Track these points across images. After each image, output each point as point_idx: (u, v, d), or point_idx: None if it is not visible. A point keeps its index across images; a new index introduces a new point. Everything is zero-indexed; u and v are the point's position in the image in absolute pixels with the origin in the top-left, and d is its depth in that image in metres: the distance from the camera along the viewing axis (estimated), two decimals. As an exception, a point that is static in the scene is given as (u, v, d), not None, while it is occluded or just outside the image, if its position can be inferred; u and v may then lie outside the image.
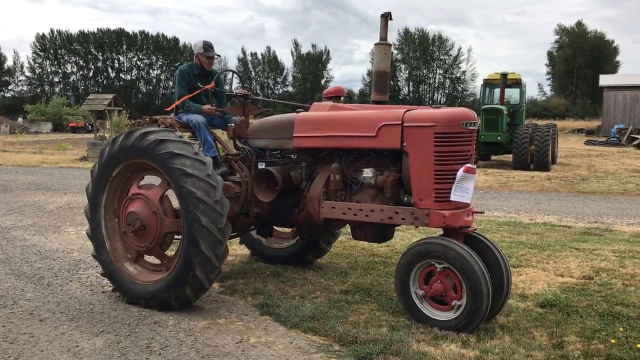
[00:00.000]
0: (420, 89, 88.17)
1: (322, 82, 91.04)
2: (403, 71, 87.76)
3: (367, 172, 4.99)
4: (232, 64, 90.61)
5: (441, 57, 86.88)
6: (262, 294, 5.42)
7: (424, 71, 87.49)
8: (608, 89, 42.49)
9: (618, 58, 79.70)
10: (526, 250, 7.16)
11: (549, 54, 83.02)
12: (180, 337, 4.44)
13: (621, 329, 4.46)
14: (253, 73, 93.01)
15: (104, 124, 27.00)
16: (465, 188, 4.52)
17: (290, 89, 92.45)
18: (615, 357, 3.94)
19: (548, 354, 4.02)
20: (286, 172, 5.33)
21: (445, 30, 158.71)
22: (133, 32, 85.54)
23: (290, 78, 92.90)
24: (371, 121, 4.85)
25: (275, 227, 6.44)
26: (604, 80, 45.15)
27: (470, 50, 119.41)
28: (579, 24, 79.51)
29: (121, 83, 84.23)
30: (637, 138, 31.50)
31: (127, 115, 35.19)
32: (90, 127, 40.06)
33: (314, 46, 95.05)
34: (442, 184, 4.55)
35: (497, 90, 20.79)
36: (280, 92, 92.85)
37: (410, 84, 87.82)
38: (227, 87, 7.40)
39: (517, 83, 21.27)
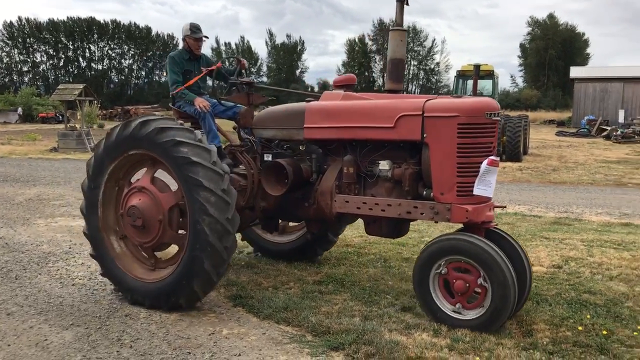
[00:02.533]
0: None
1: (297, 72, 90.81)
2: (378, 62, 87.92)
3: (384, 165, 4.74)
4: (206, 53, 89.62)
5: (415, 49, 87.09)
6: (235, 285, 5.39)
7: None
8: (578, 81, 43.14)
9: (588, 50, 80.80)
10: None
11: (522, 46, 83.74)
12: (151, 329, 4.40)
13: (588, 316, 4.55)
14: (227, 63, 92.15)
15: (75, 115, 26.46)
16: (488, 182, 4.31)
17: (265, 79, 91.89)
18: (582, 343, 4.02)
19: (517, 341, 4.09)
20: (296, 164, 5.09)
21: (419, 22, 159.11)
22: (104, 20, 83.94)
23: (265, 68, 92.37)
24: (389, 111, 4.59)
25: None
26: (575, 72, 45.82)
27: (444, 42, 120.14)
28: (551, 16, 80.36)
29: (92, 73, 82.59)
30: (606, 129, 32.08)
31: (99, 105, 34.57)
32: (60, 117, 39.33)
33: (288, 36, 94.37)
34: (464, 177, 4.33)
35: (470, 82, 20.96)
36: (255, 82, 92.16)
37: (385, 75, 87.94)
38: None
39: (490, 74, 21.50)
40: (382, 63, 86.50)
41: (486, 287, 4.17)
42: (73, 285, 5.48)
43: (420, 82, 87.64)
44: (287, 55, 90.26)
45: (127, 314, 4.72)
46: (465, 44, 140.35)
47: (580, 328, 4.31)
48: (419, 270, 4.43)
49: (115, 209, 5.12)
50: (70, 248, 6.90)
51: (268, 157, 5.33)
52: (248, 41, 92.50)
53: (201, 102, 5.78)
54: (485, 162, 4.28)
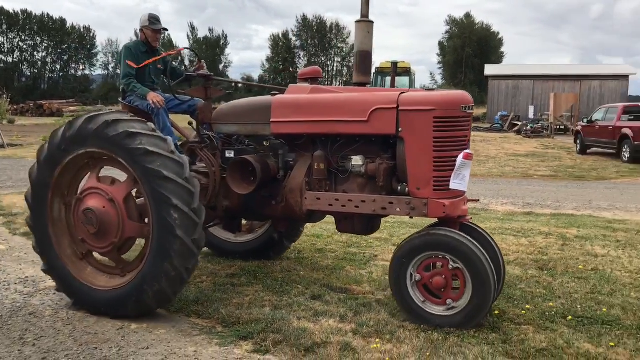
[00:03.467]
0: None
1: (221, 67, 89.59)
2: (302, 58, 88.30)
3: (357, 160, 4.59)
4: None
5: (339, 45, 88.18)
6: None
7: (322, 58, 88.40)
8: (492, 78, 44.97)
9: (503, 49, 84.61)
10: (407, 230, 7.55)
11: (440, 44, 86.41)
12: (57, 326, 4.32)
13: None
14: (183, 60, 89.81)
15: (-18, 109, 25.07)
16: (463, 175, 4.27)
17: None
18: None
19: (418, 325, 4.29)
20: (263, 160, 4.85)
21: (342, 19, 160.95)
22: (14, 10, 79.70)
23: (187, 62, 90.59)
24: (362, 105, 4.43)
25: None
26: (489, 69, 47.71)
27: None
28: (468, 15, 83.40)
29: (2, 66, 78.32)
30: (518, 124, 33.71)
31: (9, 100, 32.82)
32: (-34, 112, 37.00)
33: (211, 30, 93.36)
34: (441, 172, 4.25)
35: (389, 78, 21.52)
36: (213, 75, 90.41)
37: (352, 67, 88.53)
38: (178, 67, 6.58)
39: (407, 71, 22.22)
40: (306, 59, 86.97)
41: (465, 283, 4.14)
42: (-26, 285, 5.27)
43: (344, 79, 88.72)
44: (210, 49, 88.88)
45: (32, 312, 4.60)
46: (388, 41, 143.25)
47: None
48: (396, 267, 4.34)
49: (69, 232, 4.79)
50: (-28, 248, 6.61)
51: (230, 154, 5.08)
52: (169, 34, 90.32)
53: (155, 97, 5.46)
54: (460, 155, 4.25)
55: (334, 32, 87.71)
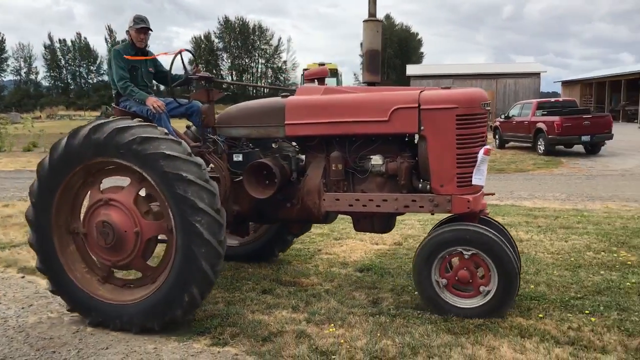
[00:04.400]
0: (243, 78, 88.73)
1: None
2: (225, 60, 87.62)
3: (377, 160, 4.59)
4: (38, 50, 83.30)
5: (262, 47, 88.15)
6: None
7: (246, 60, 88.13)
8: (414, 78, 46.30)
9: (422, 49, 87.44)
10: (346, 224, 7.84)
11: (362, 45, 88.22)
12: (9, 334, 4.30)
13: (424, 283, 5.21)
14: (63, 61, 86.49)
15: None
16: (483, 171, 4.33)
17: (106, 77, 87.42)
18: (419, 306, 4.62)
19: (366, 310, 4.59)
20: (280, 164, 4.81)
21: (264, 20, 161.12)
22: None
23: (105, 66, 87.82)
24: (383, 104, 4.43)
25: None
26: (411, 70, 49.14)
27: (289, 40, 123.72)
28: (387, 17, 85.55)
29: None
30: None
31: None
32: None
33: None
34: (464, 168, 4.33)
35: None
36: (95, 81, 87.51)
37: (233, 73, 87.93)
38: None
39: (334, 73, 22.66)
40: (229, 61, 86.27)
41: (490, 274, 4.23)
42: None
43: (269, 80, 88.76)
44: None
45: (-20, 322, 4.54)
46: (310, 42, 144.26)
47: (416, 293, 4.92)
48: (424, 259, 4.35)
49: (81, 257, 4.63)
50: None
51: (238, 158, 4.95)
52: (85, 38, 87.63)
53: (155, 102, 5.21)
54: (481, 151, 4.31)
55: (257, 33, 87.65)
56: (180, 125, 5.77)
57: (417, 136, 4.56)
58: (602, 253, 6.13)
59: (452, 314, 4.30)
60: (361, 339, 4.00)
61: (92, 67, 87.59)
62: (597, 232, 7.13)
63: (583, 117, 18.43)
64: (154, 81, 5.87)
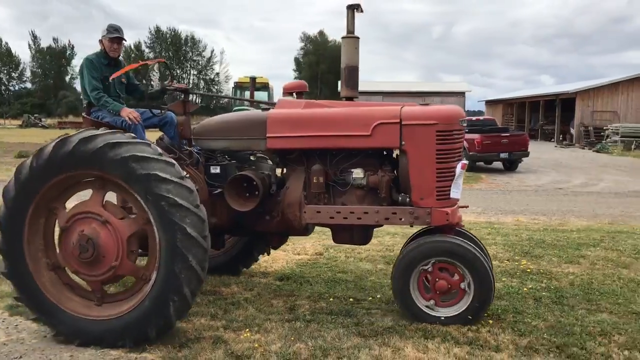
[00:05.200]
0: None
1: (67, 78, 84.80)
2: (156, 71, 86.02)
3: (358, 173, 4.68)
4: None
5: (194, 58, 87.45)
6: (9, 296, 5.26)
7: (178, 71, 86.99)
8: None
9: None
10: (270, 236, 8.02)
11: (296, 59, 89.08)
12: None
13: (340, 290, 5.49)
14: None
15: None
16: (459, 184, 4.51)
17: (28, 85, 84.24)
18: (334, 311, 4.86)
19: (282, 316, 4.77)
20: (262, 176, 4.85)
21: (197, 32, 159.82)
22: None
23: (28, 73, 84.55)
24: (365, 119, 4.56)
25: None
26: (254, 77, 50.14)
27: (222, 53, 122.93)
28: (321, 33, 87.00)
29: None
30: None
31: None
32: None
33: (55, 40, 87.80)
34: (443, 182, 4.50)
35: (248, 93, 22.08)
36: (17, 88, 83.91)
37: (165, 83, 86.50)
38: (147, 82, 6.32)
39: (265, 86, 22.90)
40: (159, 71, 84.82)
41: (466, 288, 4.44)
42: None
43: (201, 91, 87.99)
44: (55, 60, 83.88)
45: None
46: (244, 55, 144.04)
47: (332, 299, 5.18)
48: (403, 270, 4.49)
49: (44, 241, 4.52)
50: None
51: (215, 170, 4.94)
52: (7, 43, 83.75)
53: (130, 113, 5.09)
54: (459, 166, 4.51)
55: (189, 44, 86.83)
56: (151, 135, 5.74)
57: (395, 151, 4.78)
58: (506, 262, 6.59)
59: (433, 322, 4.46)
60: (276, 343, 4.17)
61: (13, 74, 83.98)
62: (505, 242, 7.63)
63: (502, 135, 19.42)
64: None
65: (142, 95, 5.30)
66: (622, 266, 6.42)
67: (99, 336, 4.21)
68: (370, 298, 5.26)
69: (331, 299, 5.20)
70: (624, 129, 31.34)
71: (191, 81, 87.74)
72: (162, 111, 5.36)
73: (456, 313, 4.48)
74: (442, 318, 4.48)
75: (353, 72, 5.02)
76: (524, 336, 4.31)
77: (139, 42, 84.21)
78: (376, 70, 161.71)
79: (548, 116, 41.63)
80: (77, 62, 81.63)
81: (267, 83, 23.28)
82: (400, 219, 4.58)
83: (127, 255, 4.28)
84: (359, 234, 4.92)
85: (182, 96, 5.23)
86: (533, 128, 42.95)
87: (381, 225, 4.85)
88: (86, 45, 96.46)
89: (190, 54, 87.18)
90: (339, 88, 5.30)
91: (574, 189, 15.32)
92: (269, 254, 5.48)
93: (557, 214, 10.74)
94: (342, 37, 5.04)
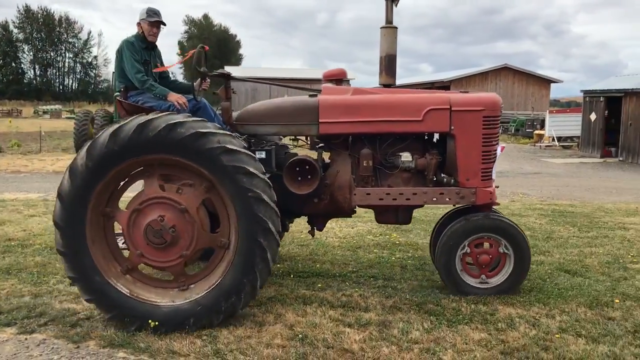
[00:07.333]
0: (48, 73, 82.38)
1: None
2: (27, 53, 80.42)
3: (407, 156, 4.97)
4: None
5: (70, 40, 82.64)
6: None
7: (52, 54, 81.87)
8: (233, 80, 47.15)
9: (241, 51, 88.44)
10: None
11: (180, 43, 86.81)
12: None
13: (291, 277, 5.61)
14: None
15: None
16: (496, 166, 4.88)
17: None
18: (276, 298, 4.97)
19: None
20: (318, 160, 4.95)
21: (71, 12, 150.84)
22: None
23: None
24: (417, 105, 4.83)
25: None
26: (230, 71, 49.79)
27: (101, 35, 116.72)
28: (206, 17, 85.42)
29: None
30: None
31: None
32: None
33: None
34: (487, 164, 4.89)
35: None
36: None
37: (37, 67, 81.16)
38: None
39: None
40: (32, 54, 79.39)
41: (507, 255, 4.87)
42: None
43: (78, 76, 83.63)
44: None
45: None
46: (123, 37, 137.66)
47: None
48: (448, 248, 4.85)
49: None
50: None
51: (261, 155, 4.88)
52: None
53: (179, 98, 5.04)
54: (499, 149, 4.85)
55: (63, 25, 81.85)
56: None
57: (435, 135, 5.12)
58: (379, 236, 7.28)
59: (473, 294, 4.88)
60: (166, 317, 4.44)
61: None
62: (379, 219, 8.32)
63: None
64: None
65: (202, 76, 5.37)
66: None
67: (197, 315, 4.27)
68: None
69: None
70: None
71: (66, 64, 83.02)
72: (193, 97, 5.33)
73: (505, 278, 4.92)
74: (493, 287, 4.93)
75: (392, 61, 5.28)
76: (390, 298, 4.93)
77: (6, 22, 77.90)
78: (264, 56, 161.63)
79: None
80: None
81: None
82: (448, 199, 4.93)
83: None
84: (404, 214, 5.21)
85: (225, 81, 5.24)
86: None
87: (421, 206, 5.15)
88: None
89: (65, 35, 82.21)
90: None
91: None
92: (313, 235, 5.57)
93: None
94: (381, 27, 5.26)
